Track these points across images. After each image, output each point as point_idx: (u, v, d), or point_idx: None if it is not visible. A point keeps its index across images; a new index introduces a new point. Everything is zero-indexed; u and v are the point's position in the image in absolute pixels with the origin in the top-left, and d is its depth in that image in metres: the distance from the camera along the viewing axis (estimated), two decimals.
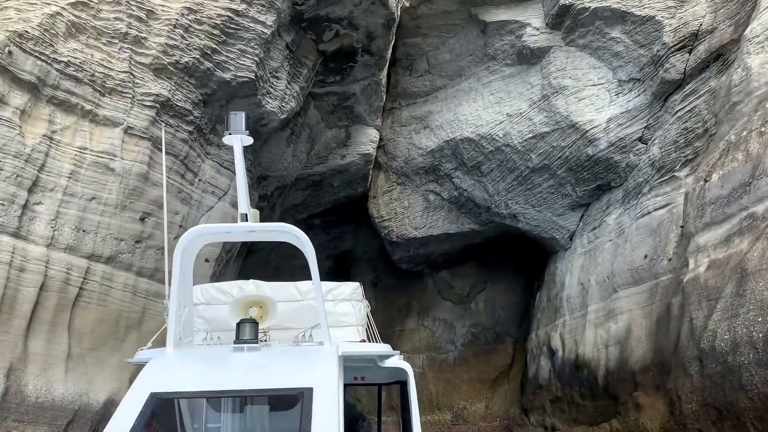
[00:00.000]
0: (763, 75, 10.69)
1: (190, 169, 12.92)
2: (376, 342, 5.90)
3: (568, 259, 18.44)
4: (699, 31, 14.05)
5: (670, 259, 13.07)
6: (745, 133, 10.27)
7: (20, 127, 9.94)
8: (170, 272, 4.75)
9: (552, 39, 16.65)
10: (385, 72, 17.22)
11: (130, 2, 10.93)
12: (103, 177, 11.15)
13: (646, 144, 15.62)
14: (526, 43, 16.88)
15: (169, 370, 4.35)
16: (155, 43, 11.29)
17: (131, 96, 11.26)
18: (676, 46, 14.47)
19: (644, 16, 14.86)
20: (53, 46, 10.02)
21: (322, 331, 4.75)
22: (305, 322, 5.23)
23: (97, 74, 10.72)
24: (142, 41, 11.16)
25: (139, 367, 4.52)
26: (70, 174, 10.68)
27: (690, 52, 14.36)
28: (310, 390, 3.84)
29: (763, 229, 8.67)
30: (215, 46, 11.87)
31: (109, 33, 10.84)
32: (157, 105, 11.59)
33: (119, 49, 10.96)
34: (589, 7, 15.36)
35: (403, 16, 17.09)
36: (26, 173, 10.07)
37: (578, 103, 16.38)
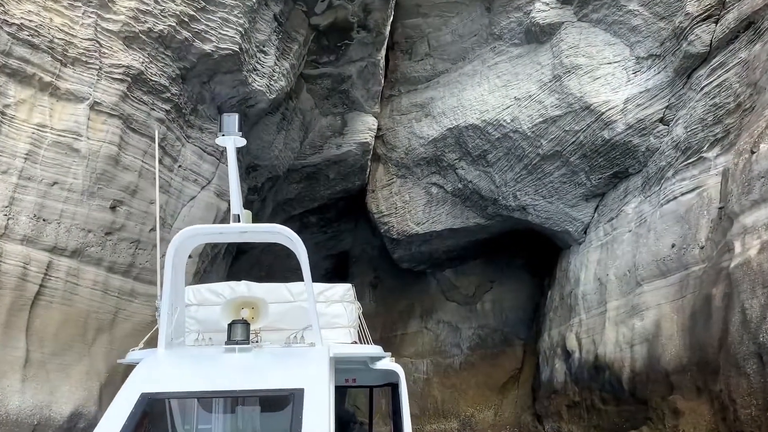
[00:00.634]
0: None
1: (169, 154, 11.63)
2: (368, 344, 5.82)
3: (583, 254, 17.15)
4: None
5: (702, 247, 11.78)
6: None
7: None
8: (161, 272, 4.70)
9: (563, 14, 15.41)
10: (383, 52, 15.98)
11: None
12: (67, 159, 9.85)
13: (668, 125, 14.36)
14: (535, 19, 15.64)
15: (160, 371, 4.31)
16: (124, 7, 10.02)
17: (97, 67, 9.97)
18: (701, 16, 13.21)
19: None
20: (2, 6, 8.72)
21: (313, 332, 4.71)
22: (297, 324, 5.19)
23: (56, 41, 9.43)
24: (109, 5, 9.89)
25: (130, 368, 4.44)
26: (27, 155, 9.37)
27: (716, 22, 13.11)
28: (301, 391, 3.80)
29: None
30: (193, 13, 10.61)
31: None
32: (128, 78, 10.30)
33: (83, 14, 9.69)
34: None
35: None
36: None
37: (593, 83, 15.13)
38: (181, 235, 4.42)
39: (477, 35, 17.01)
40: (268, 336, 5.27)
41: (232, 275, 18.18)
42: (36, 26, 9.13)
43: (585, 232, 17.43)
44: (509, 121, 16.52)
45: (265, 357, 4.64)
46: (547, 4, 15.51)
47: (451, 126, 17.67)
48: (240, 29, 11.14)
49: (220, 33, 11.04)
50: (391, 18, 15.46)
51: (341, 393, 6.64)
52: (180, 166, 12.04)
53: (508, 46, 16.58)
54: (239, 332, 4.68)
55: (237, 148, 4.89)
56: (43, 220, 9.61)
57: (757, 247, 8.49)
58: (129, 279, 11.07)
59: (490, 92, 16.85)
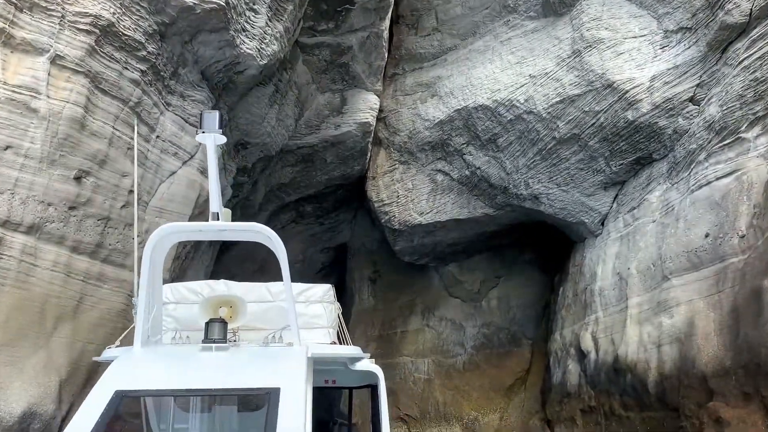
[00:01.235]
0: None
1: (145, 122, 10.33)
2: (347, 345, 5.79)
3: (600, 247, 15.86)
4: None
5: (743, 236, 10.50)
6: None
7: None
8: (139, 265, 4.60)
9: None
10: (387, 22, 14.70)
11: None
12: (23, 120, 8.55)
13: (699, 105, 13.07)
14: None
15: (135, 368, 4.23)
16: None
17: (60, 15, 8.67)
18: None
19: None
20: None
21: (292, 332, 4.67)
22: (275, 323, 5.16)
23: None
24: None
25: (105, 366, 4.31)
26: None
27: None
28: (278, 390, 3.74)
29: None
30: None
31: None
32: (96, 30, 9.00)
33: None
34: None
35: None
36: None
37: (616, 58, 13.86)
38: (159, 232, 4.32)
39: (489, 8, 15.72)
40: (246, 335, 5.18)
41: (221, 268, 16.97)
42: None
43: (602, 224, 16.14)
44: (523, 102, 15.23)
45: (243, 356, 4.58)
46: None
47: (459, 107, 16.38)
48: None
49: None
50: None
51: (324, 394, 6.44)
52: (158, 136, 10.75)
53: (523, 19, 15.30)
54: (216, 331, 4.62)
55: (218, 145, 4.78)
56: None
57: None
58: (96, 261, 9.78)
59: (502, 70, 15.56)
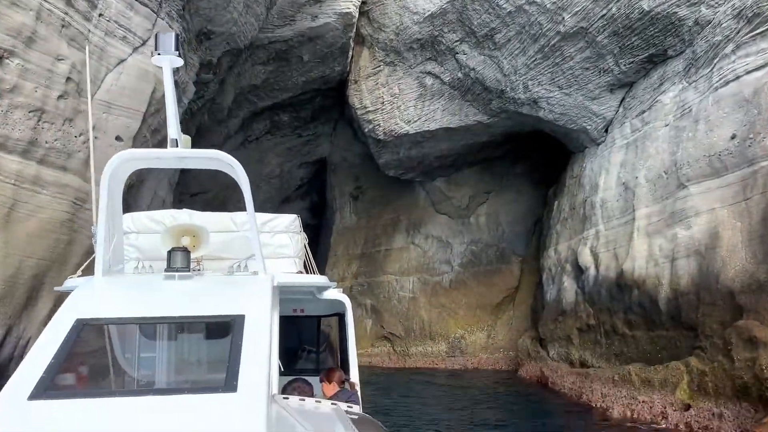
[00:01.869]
0: None
1: None
2: (314, 274, 5.66)
3: (603, 156, 14.61)
4: None
5: None
6: None
7: None
8: (96, 185, 4.59)
9: None
10: None
11: None
12: None
13: None
14: None
15: (97, 297, 4.13)
16: None
17: None
18: None
19: None
20: None
21: (256, 261, 4.59)
22: (240, 253, 5.03)
23: None
24: None
25: (66, 296, 4.06)
26: None
27: None
28: (242, 317, 3.66)
29: None
30: None
31: None
32: None
33: None
34: None
35: None
36: None
37: None
38: (116, 159, 4.10)
39: None
40: (210, 265, 5.09)
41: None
42: None
43: (606, 131, 14.83)
44: None
45: (207, 284, 4.54)
46: None
47: None
48: None
49: None
50: None
51: (292, 322, 6.11)
52: (101, 15, 8.96)
53: None
54: (179, 259, 4.56)
55: (175, 68, 4.57)
56: None
57: None
58: (31, 162, 8.24)
59: None
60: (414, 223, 20.40)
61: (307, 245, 6.02)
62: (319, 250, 25.43)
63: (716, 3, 11.64)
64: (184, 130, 4.99)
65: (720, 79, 11.03)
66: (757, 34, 10.49)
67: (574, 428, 10.24)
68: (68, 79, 8.38)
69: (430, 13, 14.93)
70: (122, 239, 5.01)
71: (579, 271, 14.37)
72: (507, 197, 19.43)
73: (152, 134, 10.54)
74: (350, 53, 15.94)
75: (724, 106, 10.68)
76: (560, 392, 13.31)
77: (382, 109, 16.92)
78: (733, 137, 10.28)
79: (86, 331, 3.66)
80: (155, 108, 10.15)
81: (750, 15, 10.68)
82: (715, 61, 11.36)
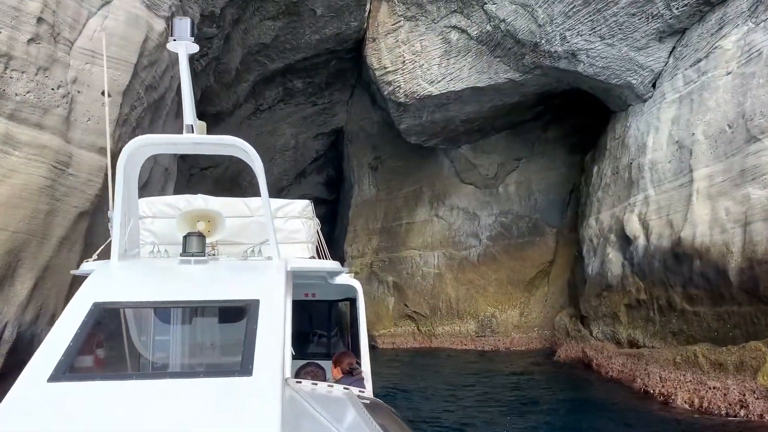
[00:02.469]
0: None
1: None
2: (327, 259, 5.70)
3: (650, 113, 13.13)
4: None
5: None
6: None
7: None
8: (113, 175, 4.34)
9: None
10: None
11: None
12: None
13: None
14: None
15: (113, 281, 4.19)
16: None
17: None
18: None
19: None
20: None
21: (270, 246, 4.66)
22: (254, 238, 5.09)
23: None
24: None
25: (83, 279, 4.09)
26: None
27: None
28: (257, 302, 3.75)
29: None
30: None
31: None
32: None
33: None
34: None
35: None
36: None
37: None
38: (132, 144, 4.07)
39: None
40: (225, 250, 5.11)
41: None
42: None
43: (653, 86, 13.32)
44: None
45: (221, 269, 4.52)
46: None
47: None
48: None
49: None
50: None
51: (304, 307, 6.06)
52: None
53: None
54: (195, 244, 4.53)
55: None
56: None
57: None
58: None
59: None
60: (437, 194, 19.07)
61: (319, 230, 6.09)
62: (337, 226, 24.24)
63: None
64: None
65: None
66: None
67: (634, 419, 8.93)
68: (40, 20, 7.12)
69: None
70: (138, 224, 4.98)
71: (626, 241, 12.98)
72: (539, 164, 17.99)
73: (147, 91, 9.27)
74: (367, 7, 14.53)
75: None
76: (607, 375, 12.01)
77: (403, 69, 15.50)
78: None
79: (103, 314, 3.70)
80: (149, 60, 8.88)
81: None
82: None
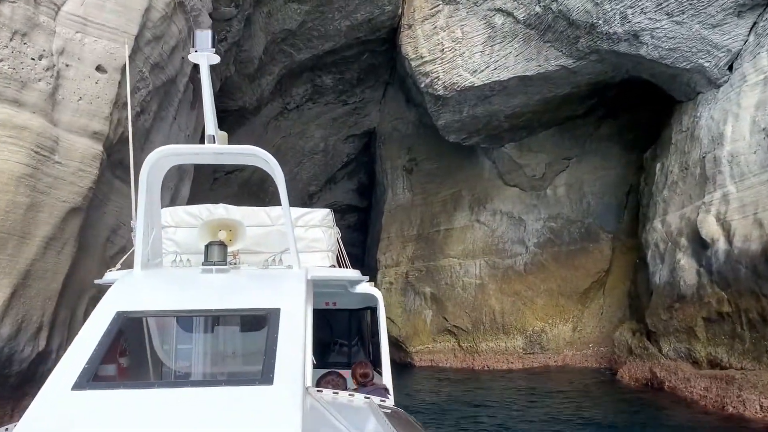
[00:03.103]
0: None
1: None
2: (347, 268, 5.78)
3: (727, 99, 11.50)
4: None
5: None
6: None
7: None
8: (136, 186, 4.43)
9: None
10: None
11: None
12: None
13: None
14: None
15: (136, 290, 4.22)
16: None
17: None
18: None
19: None
20: None
21: (291, 255, 4.69)
22: (275, 247, 5.12)
23: None
24: None
25: (106, 288, 4.12)
26: None
27: None
28: (277, 311, 3.76)
29: None
30: None
31: None
32: None
33: None
34: None
35: None
36: None
37: None
38: (154, 155, 4.11)
39: None
40: (246, 258, 5.10)
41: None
42: None
43: (729, 68, 11.68)
44: None
45: (243, 278, 4.54)
46: None
47: None
48: None
49: None
50: None
51: (325, 316, 5.86)
52: None
53: None
54: (216, 253, 4.55)
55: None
56: None
57: None
58: None
59: None
60: (478, 197, 17.57)
61: (339, 239, 6.04)
62: (369, 233, 22.90)
63: None
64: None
65: None
66: None
67: None
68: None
69: None
70: (161, 233, 4.96)
71: (701, 245, 11.31)
72: (591, 164, 16.37)
73: (152, 71, 8.06)
74: None
75: None
76: (687, 400, 10.32)
77: (442, 58, 14.13)
78: None
79: (126, 323, 3.69)
80: (153, 34, 7.67)
81: None
82: None
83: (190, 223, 5.35)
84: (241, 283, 4.40)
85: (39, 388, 3.06)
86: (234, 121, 16.02)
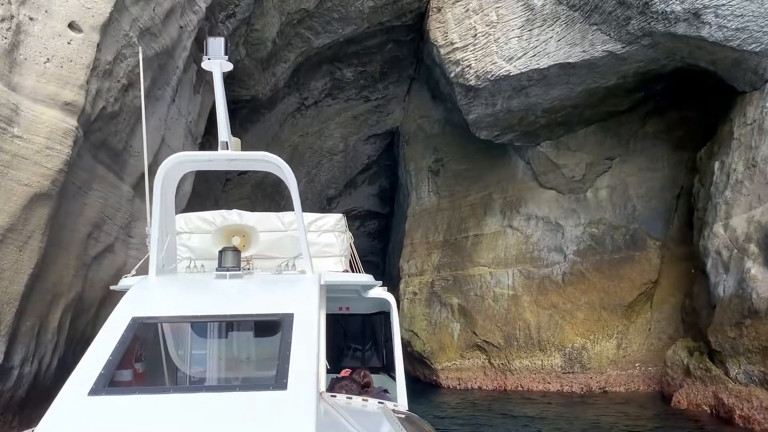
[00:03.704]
0: None
1: None
2: (360, 273, 5.83)
3: None
4: None
5: None
6: None
7: None
8: (150, 197, 4.57)
9: None
10: None
11: None
12: None
13: None
14: None
15: (151, 296, 4.32)
16: None
17: None
18: None
19: None
20: None
21: (304, 260, 4.74)
22: (288, 252, 5.24)
23: None
24: None
25: (122, 294, 4.21)
26: None
27: None
28: (291, 316, 3.82)
29: None
30: None
31: None
32: None
33: None
34: None
35: None
36: None
37: None
38: (168, 162, 4.22)
39: None
40: (260, 264, 5.13)
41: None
42: None
43: None
44: None
45: (256, 283, 4.62)
46: None
47: None
48: None
49: None
50: None
51: (338, 320, 6.05)
52: None
53: None
54: (230, 259, 4.61)
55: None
56: None
57: None
58: None
59: None
60: (511, 201, 16.17)
61: (352, 244, 6.02)
62: (390, 240, 21.57)
63: None
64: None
65: None
66: None
67: None
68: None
69: None
70: (175, 240, 5.00)
71: None
72: (637, 164, 14.89)
73: (142, 37, 6.84)
74: None
75: None
76: None
77: (475, 44, 12.82)
78: None
79: (141, 328, 3.73)
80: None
81: None
82: None
83: (204, 229, 5.39)
84: (254, 288, 4.45)
85: None
86: (247, 116, 14.85)
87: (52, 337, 6.70)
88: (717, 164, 12.27)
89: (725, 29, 10.54)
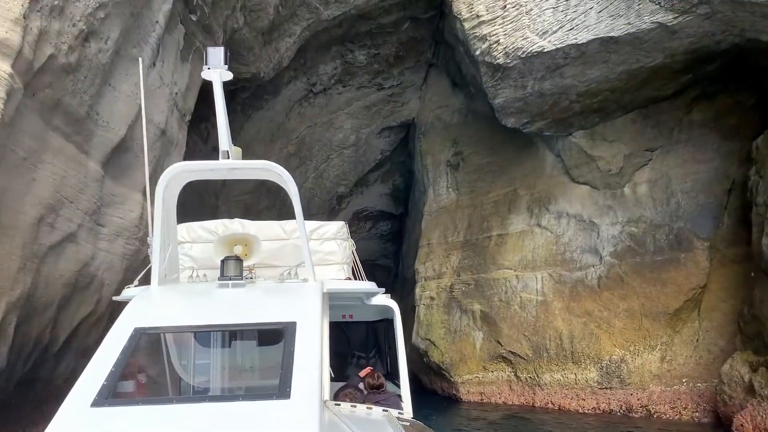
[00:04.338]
0: None
1: None
2: (362, 280, 5.91)
3: None
4: None
5: None
6: None
7: None
8: (152, 207, 4.49)
9: None
10: None
11: None
12: None
13: None
14: None
15: (153, 306, 4.36)
16: None
17: None
18: None
19: None
20: None
21: (306, 268, 4.82)
22: (290, 261, 5.26)
23: None
24: None
25: (124, 304, 4.23)
26: None
27: None
28: (294, 324, 3.84)
29: None
30: None
31: None
32: None
33: None
34: None
35: None
36: None
37: None
38: (169, 171, 4.23)
39: None
40: (262, 273, 5.17)
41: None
42: None
43: None
44: None
45: (259, 292, 4.63)
46: None
47: None
48: None
49: None
50: None
51: (342, 328, 6.16)
52: None
53: None
54: (232, 268, 4.64)
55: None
56: None
57: None
58: None
59: None
60: (539, 197, 14.73)
61: (354, 251, 6.06)
62: (404, 241, 20.15)
63: None
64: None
65: None
66: None
67: None
68: None
69: None
70: (177, 249, 5.07)
71: None
72: (682, 155, 13.37)
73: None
74: None
75: None
76: None
77: (504, 17, 11.42)
78: None
79: (144, 339, 3.70)
80: None
81: None
82: None
83: (206, 238, 5.41)
84: (257, 297, 4.46)
85: None
86: (249, 101, 13.52)
87: None
88: None
89: None
